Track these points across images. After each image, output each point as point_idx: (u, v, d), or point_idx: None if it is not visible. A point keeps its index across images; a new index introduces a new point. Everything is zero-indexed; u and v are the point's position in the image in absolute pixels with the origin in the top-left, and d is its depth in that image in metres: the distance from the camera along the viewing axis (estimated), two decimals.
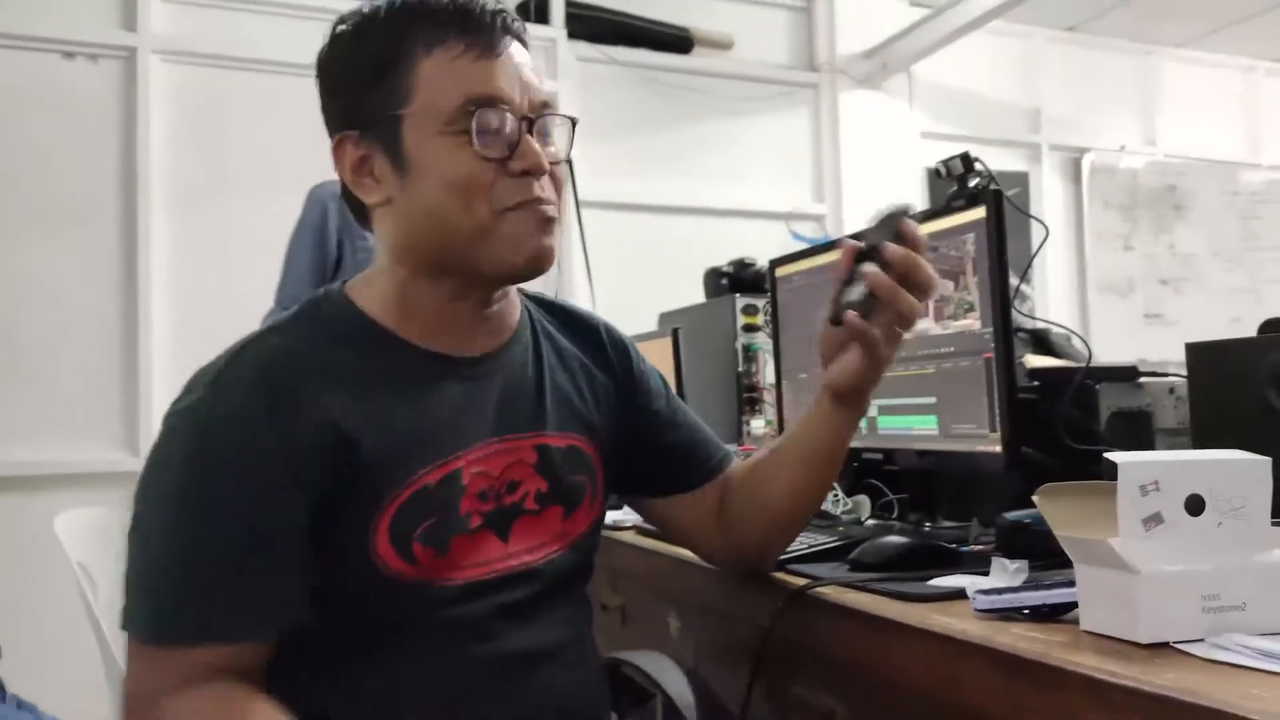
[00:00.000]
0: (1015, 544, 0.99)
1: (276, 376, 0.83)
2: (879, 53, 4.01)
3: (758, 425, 2.08)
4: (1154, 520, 0.70)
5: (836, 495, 1.52)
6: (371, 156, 0.87)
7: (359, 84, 0.87)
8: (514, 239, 0.86)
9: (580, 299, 3.57)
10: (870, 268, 0.89)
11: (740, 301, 2.18)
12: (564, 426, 0.98)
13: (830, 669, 0.97)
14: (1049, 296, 4.42)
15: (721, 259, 2.59)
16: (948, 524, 1.36)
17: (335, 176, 0.91)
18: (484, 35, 0.86)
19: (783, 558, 1.07)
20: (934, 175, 1.23)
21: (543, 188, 0.87)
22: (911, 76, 4.17)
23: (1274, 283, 4.71)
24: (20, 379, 2.91)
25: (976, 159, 1.19)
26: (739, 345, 2.16)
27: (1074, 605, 0.76)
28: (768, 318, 1.88)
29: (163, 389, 2.98)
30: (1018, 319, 1.51)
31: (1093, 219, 4.52)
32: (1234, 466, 0.72)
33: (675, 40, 3.88)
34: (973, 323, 1.19)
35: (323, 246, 2.27)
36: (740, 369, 2.15)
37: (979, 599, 0.82)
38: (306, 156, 3.08)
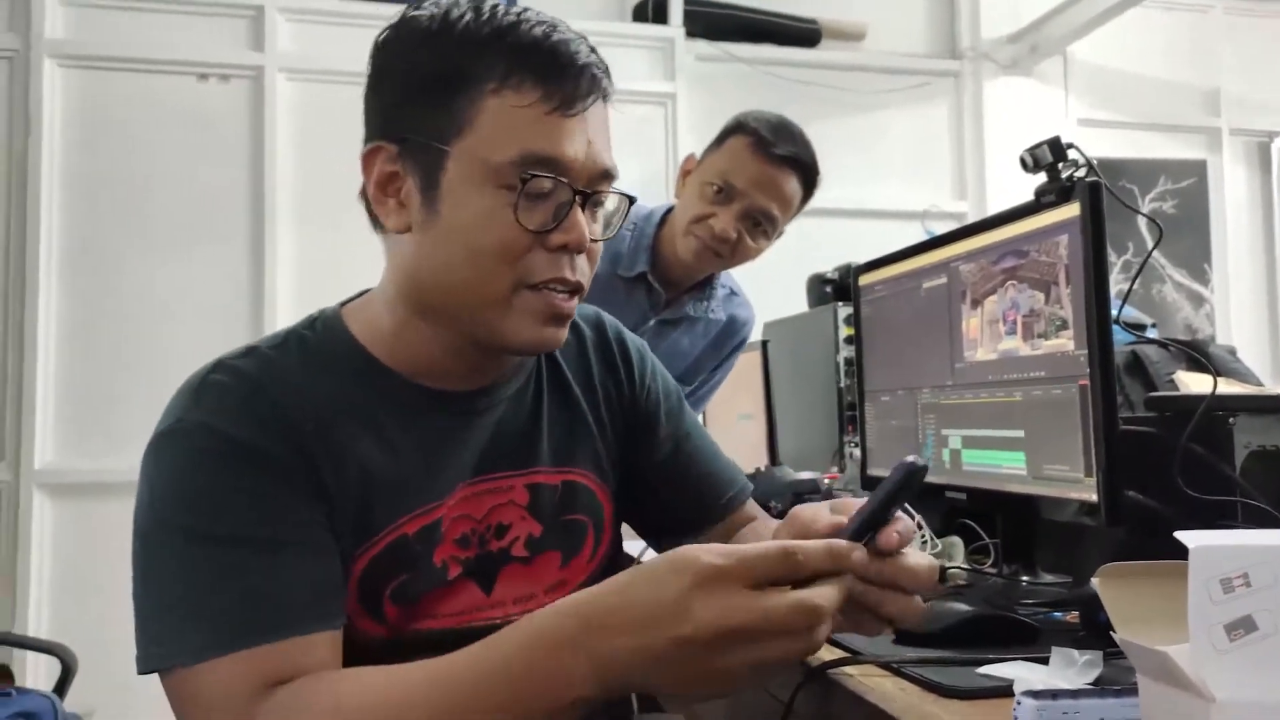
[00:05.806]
0: (1099, 623, 0.80)
1: (254, 390, 0.74)
2: (1028, 35, 3.68)
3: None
4: (1242, 627, 0.51)
5: (925, 536, 1.33)
6: (403, 178, 0.76)
7: (413, 95, 0.75)
8: (521, 320, 0.76)
9: None
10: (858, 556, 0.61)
11: (843, 311, 2.00)
12: (564, 461, 0.88)
13: None
14: (1230, 304, 3.95)
15: (847, 263, 2.39)
16: (1049, 578, 1.15)
17: None
18: (566, 88, 0.74)
19: None
20: (1021, 166, 1.02)
21: (574, 268, 0.77)
22: (1067, 59, 3.81)
23: None
24: (124, 393, 2.97)
25: (1070, 144, 0.99)
26: (840, 359, 1.98)
27: None
28: None
29: None
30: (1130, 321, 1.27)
31: None
32: None
33: (802, 34, 3.68)
34: (1065, 343, 0.99)
35: None
36: (842, 384, 1.97)
37: (1023, 705, 0.64)
38: None
